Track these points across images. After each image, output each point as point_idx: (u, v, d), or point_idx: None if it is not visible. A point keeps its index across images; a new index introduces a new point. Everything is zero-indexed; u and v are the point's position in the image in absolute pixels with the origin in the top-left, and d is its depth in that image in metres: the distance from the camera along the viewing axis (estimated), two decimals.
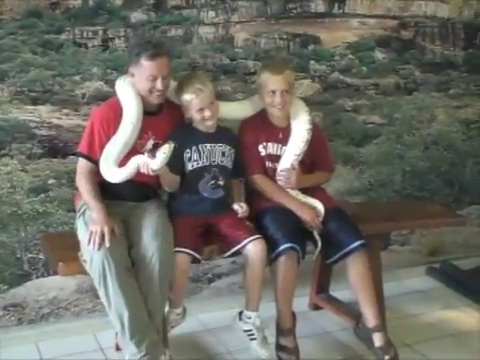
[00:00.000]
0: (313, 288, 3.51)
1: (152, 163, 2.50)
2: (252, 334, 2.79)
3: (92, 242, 2.48)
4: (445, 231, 4.02)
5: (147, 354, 2.48)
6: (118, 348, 2.85)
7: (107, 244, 2.47)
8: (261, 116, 2.96)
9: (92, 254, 2.48)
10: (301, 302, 3.46)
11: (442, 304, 3.62)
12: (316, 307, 3.50)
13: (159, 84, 2.62)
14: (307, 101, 3.28)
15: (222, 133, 2.86)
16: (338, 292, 3.46)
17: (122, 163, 2.60)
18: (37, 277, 3.15)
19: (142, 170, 2.53)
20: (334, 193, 3.63)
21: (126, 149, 2.63)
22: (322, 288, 3.50)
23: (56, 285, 3.18)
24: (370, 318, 2.85)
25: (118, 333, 2.56)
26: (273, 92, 2.84)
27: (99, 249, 2.46)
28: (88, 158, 2.66)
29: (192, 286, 3.46)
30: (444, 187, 4.03)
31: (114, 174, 2.59)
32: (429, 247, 4.05)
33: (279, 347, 2.84)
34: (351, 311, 3.26)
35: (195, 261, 2.67)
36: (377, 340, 2.82)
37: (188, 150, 2.77)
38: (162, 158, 2.49)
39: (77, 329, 3.17)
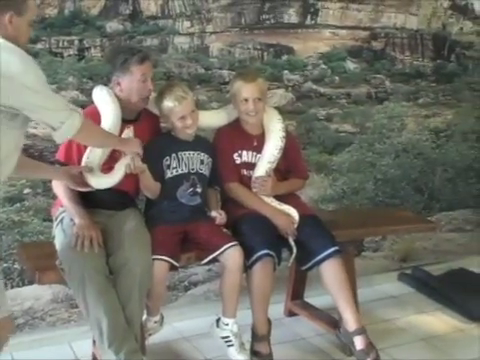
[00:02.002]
0: (288, 295, 3.54)
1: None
2: (229, 340, 2.82)
3: (80, 244, 2.49)
4: (416, 237, 4.10)
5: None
6: (95, 358, 2.83)
7: (96, 250, 2.50)
8: (235, 125, 3.00)
9: (71, 262, 2.49)
10: (276, 309, 3.48)
11: (414, 309, 3.68)
12: (291, 313, 3.53)
13: (150, 85, 2.70)
14: (281, 110, 3.33)
15: (200, 141, 2.90)
16: (313, 298, 3.50)
17: (103, 170, 2.63)
18: (12, 287, 3.12)
19: (130, 169, 2.58)
20: (308, 201, 3.68)
21: (104, 156, 2.65)
22: (297, 294, 3.53)
23: (31, 295, 3.16)
24: (350, 322, 2.89)
25: (96, 341, 2.55)
26: (246, 100, 2.88)
27: (88, 250, 2.48)
28: (65, 166, 2.67)
29: (168, 294, 3.46)
30: (414, 194, 4.11)
31: (101, 181, 2.62)
32: (401, 253, 4.12)
33: (253, 353, 2.86)
34: (326, 317, 3.31)
35: (173, 268, 2.69)
36: (359, 343, 2.87)
37: (167, 158, 2.80)
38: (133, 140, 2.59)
39: (52, 339, 3.15)
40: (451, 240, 4.28)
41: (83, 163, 2.62)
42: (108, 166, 2.65)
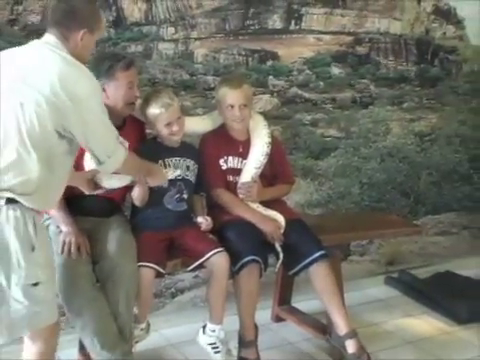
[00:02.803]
0: (275, 300, 3.54)
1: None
2: (216, 347, 2.81)
3: (67, 251, 2.49)
4: (402, 241, 4.12)
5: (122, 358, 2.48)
6: None
7: (83, 256, 2.50)
8: (221, 131, 3.00)
9: (58, 268, 2.46)
10: (264, 314, 3.49)
11: (401, 312, 3.70)
12: (278, 319, 3.53)
13: (136, 91, 2.70)
14: (266, 116, 3.34)
15: (186, 148, 2.90)
16: (300, 303, 3.51)
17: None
18: None
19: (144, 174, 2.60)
20: (294, 206, 3.69)
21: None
22: (284, 300, 3.53)
23: None
24: (341, 326, 2.89)
25: (88, 346, 2.53)
26: (231, 106, 2.88)
27: (75, 257, 2.48)
28: None
29: (155, 301, 3.44)
30: (400, 198, 4.13)
31: (112, 182, 2.59)
32: (387, 257, 4.14)
33: (241, 359, 2.86)
34: (314, 321, 3.32)
35: (159, 275, 2.68)
36: (350, 347, 2.87)
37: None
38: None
39: None
40: (437, 243, 4.30)
41: (87, 165, 2.59)
42: None
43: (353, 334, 2.88)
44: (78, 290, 2.45)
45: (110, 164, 2.26)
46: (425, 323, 3.59)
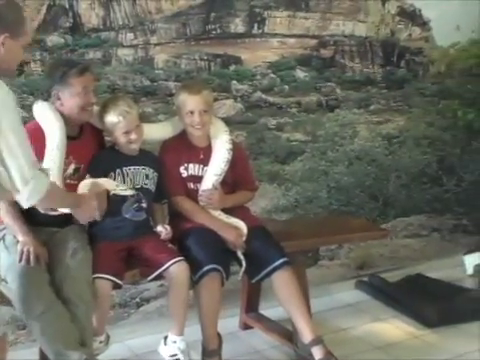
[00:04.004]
0: (242, 307, 3.50)
1: (102, 181, 2.59)
2: (177, 359, 2.75)
3: (25, 259, 2.44)
4: (372, 244, 4.09)
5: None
6: None
7: (42, 266, 2.46)
8: (181, 137, 2.95)
9: (16, 279, 2.42)
10: (231, 322, 3.46)
11: (371, 317, 3.66)
12: (246, 326, 3.49)
13: (92, 97, 2.64)
14: (230, 121, 3.32)
15: (145, 156, 2.85)
16: (269, 310, 3.46)
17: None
18: None
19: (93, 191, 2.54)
20: (261, 211, 3.66)
21: (61, 174, 2.59)
22: (252, 307, 3.49)
23: None
24: (306, 333, 2.85)
25: (50, 354, 2.47)
26: (191, 112, 2.84)
27: (34, 265, 2.43)
28: None
29: (119, 311, 3.40)
30: (369, 201, 4.10)
31: None
32: (357, 261, 4.11)
33: None
34: (281, 329, 3.28)
35: (116, 287, 2.63)
36: (317, 353, 2.83)
37: (112, 173, 2.74)
38: (112, 184, 2.61)
39: None
40: (407, 246, 4.28)
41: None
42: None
43: (318, 340, 2.84)
44: (38, 295, 2.40)
45: (29, 194, 2.09)
46: (395, 327, 3.56)
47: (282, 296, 2.87)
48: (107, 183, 2.62)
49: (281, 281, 2.85)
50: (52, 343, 2.42)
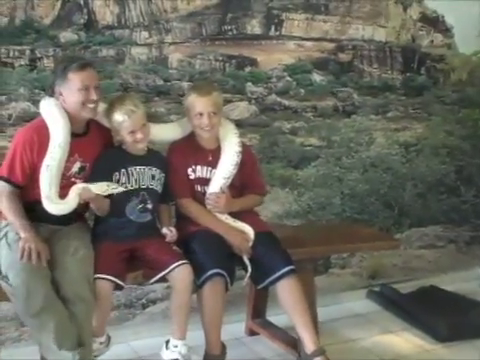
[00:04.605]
0: (249, 313, 3.44)
1: (93, 187, 2.53)
2: None
3: (26, 257, 2.41)
4: (385, 254, 4.01)
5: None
6: None
7: (44, 263, 2.42)
8: (190, 139, 2.91)
9: (16, 276, 2.40)
10: (237, 327, 3.42)
11: (380, 328, 3.58)
12: (252, 333, 3.44)
13: (93, 94, 2.57)
14: (243, 123, 3.27)
15: (152, 156, 2.81)
16: (276, 317, 3.40)
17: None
18: None
19: (83, 197, 2.52)
20: (272, 216, 3.61)
21: (60, 173, 2.56)
22: (258, 313, 3.44)
23: None
24: (308, 343, 2.79)
25: (45, 352, 2.46)
26: (200, 114, 2.79)
27: (36, 263, 2.40)
28: (8, 181, 2.58)
29: (124, 312, 3.37)
30: (384, 210, 4.02)
31: (59, 208, 2.53)
32: (369, 270, 4.02)
33: None
34: (286, 337, 3.22)
35: (118, 288, 2.60)
36: None
37: (117, 173, 2.70)
38: (103, 187, 2.54)
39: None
40: (421, 257, 4.18)
41: (43, 192, 2.52)
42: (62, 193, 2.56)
43: (320, 352, 2.77)
44: (38, 293, 2.38)
45: None
46: (404, 340, 3.47)
47: (286, 304, 2.82)
48: (97, 188, 2.56)
49: (285, 289, 2.79)
50: (47, 342, 2.40)
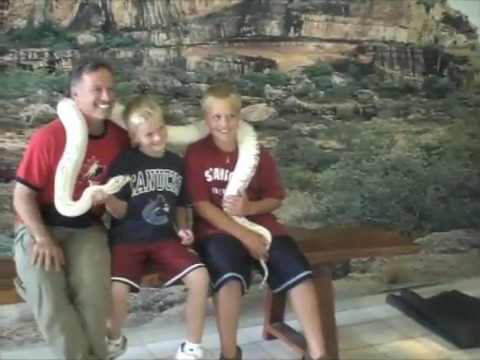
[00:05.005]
0: (267, 317, 3.42)
1: (105, 188, 2.51)
2: None
3: (40, 262, 2.41)
4: (406, 258, 3.95)
5: None
6: None
7: (57, 269, 2.42)
8: (207, 141, 2.89)
9: (29, 279, 2.41)
10: (255, 331, 3.39)
11: (400, 334, 3.54)
12: (270, 337, 3.41)
13: (105, 95, 2.56)
14: (262, 125, 3.24)
15: (169, 158, 2.79)
16: (294, 321, 3.33)
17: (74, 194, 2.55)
18: None
19: (96, 199, 2.50)
20: (291, 219, 3.58)
21: (75, 174, 2.56)
22: (276, 317, 3.41)
23: None
24: (314, 349, 2.77)
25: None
26: (218, 117, 2.77)
27: (49, 268, 2.40)
28: (25, 183, 2.59)
29: (142, 314, 3.37)
30: (405, 214, 3.96)
31: (71, 210, 2.53)
32: (390, 274, 3.97)
33: None
34: (303, 341, 3.14)
35: (133, 290, 2.59)
36: None
37: (134, 175, 2.69)
38: (114, 185, 2.51)
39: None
40: (443, 261, 4.12)
41: (56, 193, 2.52)
42: (76, 195, 2.56)
43: (325, 359, 2.75)
44: (48, 299, 2.37)
45: None
46: (424, 346, 3.43)
47: (297, 309, 2.80)
48: (109, 187, 2.53)
49: (299, 294, 2.77)
50: (58, 355, 2.40)
